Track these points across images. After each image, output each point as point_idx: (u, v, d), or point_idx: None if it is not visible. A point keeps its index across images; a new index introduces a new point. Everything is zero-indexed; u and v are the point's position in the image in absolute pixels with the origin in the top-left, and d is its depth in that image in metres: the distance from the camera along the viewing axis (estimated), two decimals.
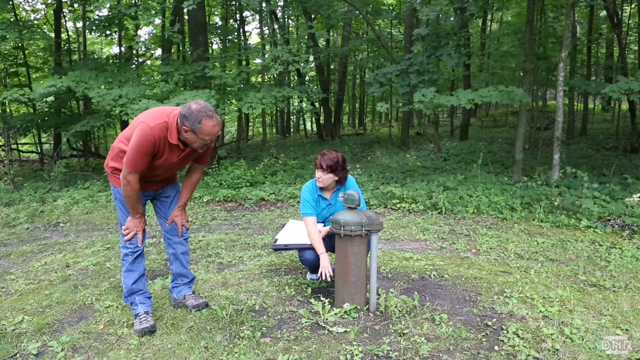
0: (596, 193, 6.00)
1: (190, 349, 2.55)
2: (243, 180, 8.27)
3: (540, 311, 2.92)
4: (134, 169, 2.54)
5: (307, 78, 21.17)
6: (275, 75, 11.94)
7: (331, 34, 19.96)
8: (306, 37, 15.56)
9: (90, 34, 14.91)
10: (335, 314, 2.86)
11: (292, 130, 26.91)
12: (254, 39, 22.75)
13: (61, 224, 6.08)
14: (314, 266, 3.32)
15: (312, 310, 2.95)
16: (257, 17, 14.39)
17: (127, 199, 2.64)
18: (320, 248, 3.11)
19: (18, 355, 2.56)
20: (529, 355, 2.42)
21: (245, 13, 16.44)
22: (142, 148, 2.50)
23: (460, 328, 2.70)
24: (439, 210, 6.11)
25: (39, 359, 2.52)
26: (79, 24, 16.45)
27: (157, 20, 13.58)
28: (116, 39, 15.06)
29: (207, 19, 14.36)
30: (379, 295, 3.16)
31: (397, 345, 2.53)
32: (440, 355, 2.44)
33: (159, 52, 16.87)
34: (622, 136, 13.02)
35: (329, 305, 2.95)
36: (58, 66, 12.21)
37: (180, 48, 13.91)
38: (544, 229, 5.19)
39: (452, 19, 10.01)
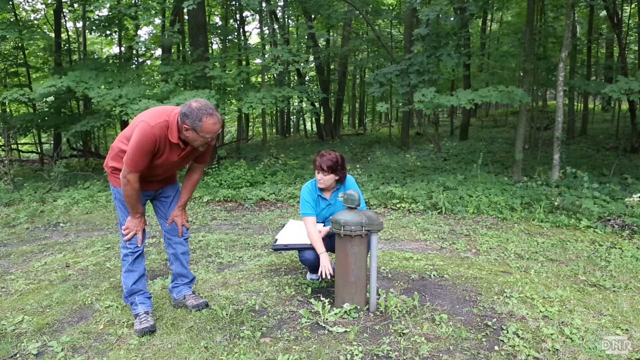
0: (596, 193, 6.00)
1: (190, 349, 2.55)
2: (243, 180, 8.27)
3: (540, 311, 2.92)
4: (134, 168, 2.54)
5: (307, 78, 21.17)
6: (275, 75, 11.94)
7: (331, 34, 19.96)
8: (306, 37, 15.56)
9: (90, 34, 14.91)
10: (335, 314, 2.86)
11: (292, 130, 26.91)
12: (254, 39, 22.76)
13: (61, 224, 6.08)
14: (314, 266, 3.32)
15: (312, 310, 2.95)
16: (257, 17, 14.40)
17: (127, 199, 2.64)
18: (320, 248, 3.11)
19: (18, 355, 2.56)
20: (529, 355, 2.42)
21: (245, 13, 16.44)
22: (142, 147, 2.50)
23: (460, 328, 2.70)
24: (439, 210, 6.11)
25: (39, 359, 2.52)
26: (79, 24, 16.45)
27: (157, 20, 13.59)
28: (116, 39, 15.06)
29: (207, 19, 14.36)
30: (379, 295, 3.16)
31: (397, 345, 2.53)
32: (440, 355, 2.44)
33: (159, 52, 16.87)
34: (622, 136, 13.02)
35: (329, 305, 2.95)
36: (58, 66, 12.20)
37: (180, 48, 13.92)
38: (544, 229, 5.19)
39: (452, 19, 10.01)
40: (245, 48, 13.46)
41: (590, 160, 9.87)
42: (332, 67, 20.93)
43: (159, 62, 15.83)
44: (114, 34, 13.85)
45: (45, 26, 15.52)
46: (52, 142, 15.09)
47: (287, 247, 3.33)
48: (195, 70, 9.01)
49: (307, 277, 3.57)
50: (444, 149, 12.54)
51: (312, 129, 26.73)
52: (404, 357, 2.42)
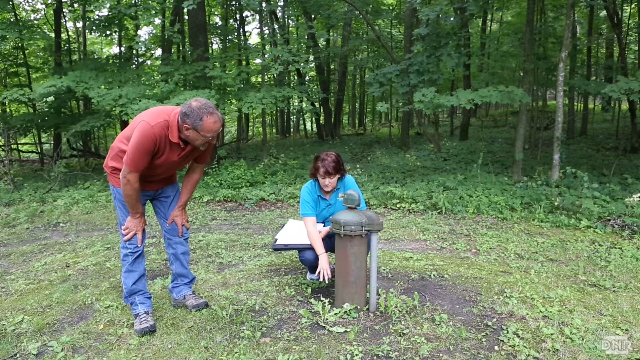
0: (596, 193, 6.00)
1: (190, 349, 2.55)
2: (243, 180, 8.27)
3: (540, 311, 2.92)
4: (135, 168, 2.54)
5: (307, 78, 21.16)
6: (275, 75, 11.93)
7: (331, 34, 19.95)
8: (306, 37, 15.55)
9: (90, 34, 14.94)
10: (335, 314, 2.86)
11: (292, 130, 26.91)
12: (254, 39, 22.75)
13: (61, 224, 6.08)
14: (314, 266, 3.32)
15: (312, 310, 2.95)
16: (257, 17, 14.40)
17: (126, 199, 2.64)
18: (319, 249, 3.11)
19: (18, 355, 2.56)
20: (529, 355, 2.42)
21: (245, 13, 16.43)
22: (142, 146, 2.50)
23: (460, 328, 2.70)
24: (439, 210, 6.11)
25: (39, 359, 2.52)
26: (79, 24, 16.46)
27: (157, 20, 13.58)
28: (116, 39, 15.06)
29: (207, 19, 14.36)
30: (379, 295, 3.16)
31: (397, 345, 2.53)
32: (440, 355, 2.44)
33: (159, 52, 16.88)
34: (622, 136, 13.02)
35: (329, 305, 2.95)
36: (58, 66, 12.21)
37: (180, 48, 13.91)
38: (544, 229, 5.19)
39: (452, 19, 10.02)
40: (245, 48, 13.46)
41: (590, 160, 9.87)
42: (332, 67, 20.93)
43: (159, 62, 15.83)
44: (114, 34, 13.86)
45: (45, 26, 15.53)
46: (52, 142, 15.10)
47: (287, 247, 3.33)
48: (195, 70, 9.01)
49: (307, 277, 3.57)
50: (444, 149, 12.54)
51: (312, 129, 26.73)
52: (404, 357, 2.42)
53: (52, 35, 13.54)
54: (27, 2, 15.00)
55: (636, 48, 16.96)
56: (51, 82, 8.48)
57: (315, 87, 20.35)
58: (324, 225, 3.34)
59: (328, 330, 2.70)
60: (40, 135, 16.25)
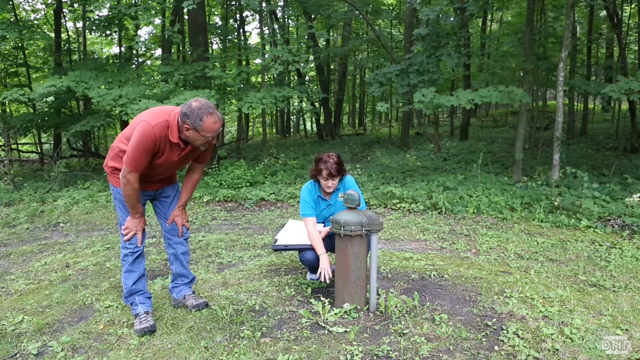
0: (596, 193, 6.00)
1: (190, 349, 2.55)
2: (243, 180, 8.27)
3: (540, 311, 2.92)
4: (134, 168, 2.54)
5: (307, 78, 21.16)
6: (275, 75, 11.94)
7: (331, 34, 19.95)
8: (306, 37, 15.55)
9: (90, 34, 14.93)
10: (335, 314, 2.86)
11: (292, 130, 26.91)
12: (254, 39, 22.75)
13: (61, 224, 6.08)
14: (314, 266, 3.32)
15: (312, 310, 2.95)
16: (257, 17, 14.39)
17: (126, 199, 2.64)
18: (320, 249, 3.11)
19: (18, 355, 2.56)
20: (529, 355, 2.42)
21: (245, 13, 16.43)
22: (142, 146, 2.50)
23: (460, 328, 2.70)
24: (439, 210, 6.11)
25: (39, 359, 2.52)
26: (79, 24, 16.46)
27: (157, 20, 13.59)
28: (116, 39, 15.06)
29: (207, 19, 14.36)
30: (379, 295, 3.16)
31: (397, 345, 2.53)
32: (440, 355, 2.44)
33: (159, 52, 16.88)
34: (622, 136, 13.02)
35: (329, 305, 2.95)
36: (58, 66, 12.21)
37: (180, 48, 13.91)
38: (544, 229, 5.19)
39: (452, 19, 10.02)
40: (245, 48, 13.46)
41: (590, 160, 9.87)
42: (332, 67, 20.93)
43: (159, 62, 15.83)
44: (114, 34, 13.86)
45: (45, 26, 15.52)
46: (52, 142, 15.10)
47: (287, 248, 3.33)
48: (195, 70, 9.01)
49: (307, 277, 3.57)
50: (444, 149, 12.54)
51: (312, 129, 26.73)
52: (404, 357, 2.42)
53: (52, 35, 13.54)
54: (27, 2, 15.01)
55: (636, 48, 16.96)
56: (51, 82, 8.48)
57: (315, 87, 20.35)
58: (324, 226, 3.34)
59: (328, 330, 2.70)
60: (40, 135, 16.26)
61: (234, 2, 15.53)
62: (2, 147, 11.13)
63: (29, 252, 4.73)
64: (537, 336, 2.62)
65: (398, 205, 6.41)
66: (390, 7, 18.79)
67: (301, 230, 3.37)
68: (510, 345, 2.52)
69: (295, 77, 17.77)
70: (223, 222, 5.97)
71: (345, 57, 18.80)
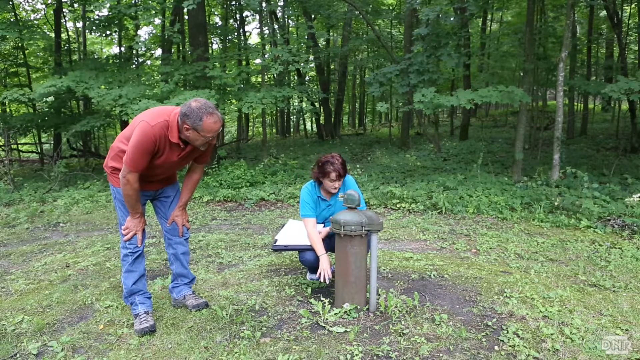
0: (596, 193, 6.00)
1: (190, 349, 2.55)
2: (243, 180, 8.27)
3: (540, 311, 2.92)
4: (134, 168, 2.54)
5: (307, 78, 21.16)
6: (275, 75, 11.94)
7: (331, 34, 19.95)
8: (306, 37, 15.55)
9: (90, 34, 14.93)
10: (335, 314, 2.86)
11: (292, 130, 26.91)
12: (254, 39, 22.75)
13: (61, 224, 6.08)
14: (314, 267, 3.32)
15: (312, 310, 2.95)
16: (257, 17, 14.39)
17: (126, 199, 2.64)
18: (320, 249, 3.11)
19: (18, 355, 2.56)
20: (529, 355, 2.42)
21: (245, 13, 16.44)
22: (142, 146, 2.50)
23: (460, 328, 2.70)
24: (439, 210, 6.11)
25: (39, 359, 2.52)
26: (79, 24, 16.46)
27: (157, 20, 13.59)
28: (116, 39, 15.06)
29: (207, 19, 14.36)
30: (379, 295, 3.16)
31: (397, 345, 2.53)
32: (440, 355, 2.44)
33: (159, 52, 16.88)
34: (622, 136, 13.02)
35: (329, 305, 2.95)
36: (58, 66, 12.21)
37: (180, 48, 13.91)
38: (544, 229, 5.19)
39: (452, 19, 10.01)
40: (245, 48, 13.46)
41: (590, 160, 9.87)
42: (332, 67, 20.92)
43: (159, 62, 15.83)
44: (114, 34, 13.86)
45: (45, 26, 15.52)
46: (52, 142, 15.10)
47: (287, 248, 3.33)
48: (195, 70, 9.01)
49: (307, 277, 3.57)
50: (444, 149, 12.53)
51: (312, 129, 26.73)
52: (404, 357, 2.42)
53: (52, 35, 13.55)
54: (27, 2, 15.01)
55: (636, 48, 16.96)
56: (51, 82, 8.48)
57: (315, 87, 20.34)
58: (324, 226, 3.34)
59: (328, 330, 2.70)
60: (40, 135, 16.26)
61: (234, 2, 15.54)
62: (2, 147, 11.13)
63: (29, 252, 4.73)
64: (537, 336, 2.62)
65: (398, 205, 6.41)
66: (390, 7, 18.80)
67: (301, 231, 3.37)
68: (510, 345, 2.52)
69: (295, 77, 17.78)
70: (223, 222, 5.97)
71: (345, 57, 18.80)
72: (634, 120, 10.90)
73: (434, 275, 3.63)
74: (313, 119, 23.90)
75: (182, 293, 3.08)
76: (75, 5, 14.03)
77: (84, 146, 15.18)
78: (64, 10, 13.94)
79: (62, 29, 13.97)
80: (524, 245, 4.59)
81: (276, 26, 14.14)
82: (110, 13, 11.11)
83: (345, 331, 2.67)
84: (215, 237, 5.02)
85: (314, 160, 11.23)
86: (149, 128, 2.50)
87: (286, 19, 17.15)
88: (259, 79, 13.53)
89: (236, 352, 2.49)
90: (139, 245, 2.80)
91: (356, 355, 2.43)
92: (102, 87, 8.74)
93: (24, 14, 15.26)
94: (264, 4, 9.90)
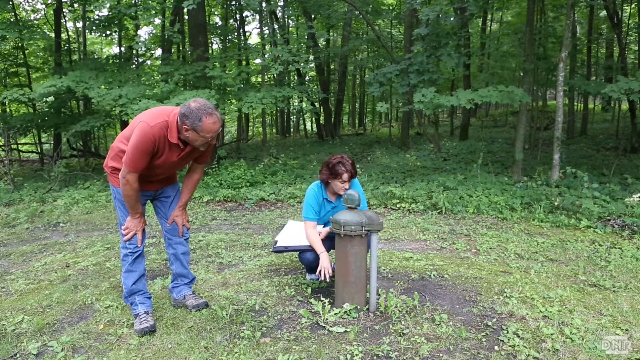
0: (596, 193, 6.00)
1: (190, 349, 2.55)
2: (243, 180, 8.27)
3: (540, 311, 2.92)
4: (134, 168, 2.54)
5: (307, 78, 21.16)
6: (275, 75, 11.94)
7: (331, 34, 19.95)
8: (306, 37, 15.56)
9: (90, 34, 14.93)
10: (335, 314, 2.86)
11: (292, 130, 26.90)
12: (254, 39, 22.75)
13: (61, 224, 6.08)
14: (314, 266, 3.31)
15: (312, 310, 2.95)
16: (257, 17, 14.39)
17: (126, 199, 2.64)
18: (319, 248, 3.11)
19: (18, 355, 2.56)
20: (529, 355, 2.42)
21: (245, 13, 16.44)
22: (142, 147, 2.50)
23: (460, 328, 2.70)
24: (439, 210, 6.11)
25: (39, 359, 2.52)
26: (79, 24, 16.46)
27: (157, 20, 13.59)
28: (116, 39, 15.06)
29: (207, 19, 14.36)
30: (379, 295, 3.16)
31: (397, 345, 2.53)
32: (440, 355, 2.44)
33: (159, 52, 16.88)
34: (622, 136, 13.02)
35: (329, 305, 2.95)
36: (58, 66, 12.21)
37: (180, 48, 13.91)
38: (544, 229, 5.19)
39: (452, 19, 10.01)
40: (245, 48, 13.46)
41: (590, 160, 9.87)
42: (332, 67, 20.92)
43: (159, 62, 15.83)
44: (114, 34, 13.86)
45: (45, 26, 15.52)
46: (52, 142, 15.09)
47: (287, 249, 3.32)
48: (195, 70, 9.01)
49: (306, 277, 3.57)
50: (444, 149, 12.53)
51: (312, 129, 26.73)
52: (404, 357, 2.42)
53: (52, 35, 13.54)
54: (27, 2, 15.01)
55: (636, 48, 16.96)
56: (51, 82, 8.48)
57: (315, 87, 20.34)
58: (324, 227, 3.34)
59: (328, 330, 2.70)
60: (40, 135, 16.25)
61: (234, 2, 15.54)
62: (2, 147, 11.13)
63: (29, 252, 4.73)
64: (537, 336, 2.62)
65: (398, 205, 6.41)
66: (390, 7, 18.80)
67: (301, 231, 3.36)
68: (510, 345, 2.52)
69: (295, 77, 17.78)
70: (223, 222, 5.97)
71: (345, 57, 18.80)
72: (634, 120, 10.90)
73: (434, 275, 3.63)
74: (313, 119, 23.91)
75: (182, 293, 3.08)
76: (75, 5, 14.03)
77: (84, 146, 15.18)
78: (64, 10, 13.94)
79: (62, 29, 13.97)
80: (524, 245, 4.59)
81: (276, 26, 14.14)
82: (110, 13, 11.11)
83: (345, 331, 2.67)
84: (215, 237, 5.02)
85: (314, 160, 11.24)
86: (149, 128, 2.50)
87: (286, 19, 17.15)
88: (259, 79, 13.53)
89: (236, 352, 2.49)
90: (139, 245, 2.80)
91: (356, 355, 2.43)
92: (102, 87, 8.74)
93: (24, 14, 15.26)
94: (264, 4, 9.90)
